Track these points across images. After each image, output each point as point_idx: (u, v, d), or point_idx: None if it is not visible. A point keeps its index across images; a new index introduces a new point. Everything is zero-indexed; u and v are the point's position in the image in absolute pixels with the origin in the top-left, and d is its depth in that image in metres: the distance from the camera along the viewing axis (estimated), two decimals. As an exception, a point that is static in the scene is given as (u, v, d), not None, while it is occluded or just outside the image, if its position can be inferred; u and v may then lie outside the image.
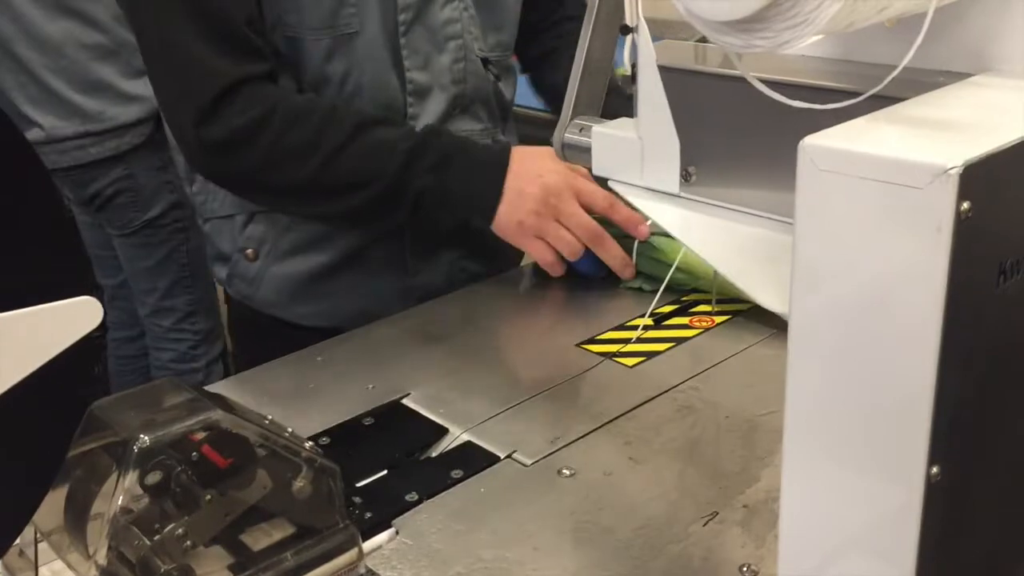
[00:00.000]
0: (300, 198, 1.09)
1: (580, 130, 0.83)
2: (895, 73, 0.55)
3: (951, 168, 0.46)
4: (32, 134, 1.72)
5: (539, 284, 1.17)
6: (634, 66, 0.75)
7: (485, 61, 1.15)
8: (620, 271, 1.07)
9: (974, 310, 0.50)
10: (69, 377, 0.57)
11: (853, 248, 0.51)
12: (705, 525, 0.71)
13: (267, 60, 1.03)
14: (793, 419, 0.58)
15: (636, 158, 0.76)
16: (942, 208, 0.47)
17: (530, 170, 1.05)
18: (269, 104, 1.02)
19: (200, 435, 0.66)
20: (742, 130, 0.70)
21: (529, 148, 1.08)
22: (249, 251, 1.15)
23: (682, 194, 0.74)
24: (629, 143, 0.76)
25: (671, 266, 1.02)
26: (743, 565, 0.66)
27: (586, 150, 0.81)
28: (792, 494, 0.60)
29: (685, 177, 0.73)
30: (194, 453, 0.65)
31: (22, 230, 0.55)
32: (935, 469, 0.52)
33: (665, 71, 0.71)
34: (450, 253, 1.17)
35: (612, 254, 1.06)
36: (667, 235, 0.97)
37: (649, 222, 0.99)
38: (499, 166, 1.05)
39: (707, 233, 0.71)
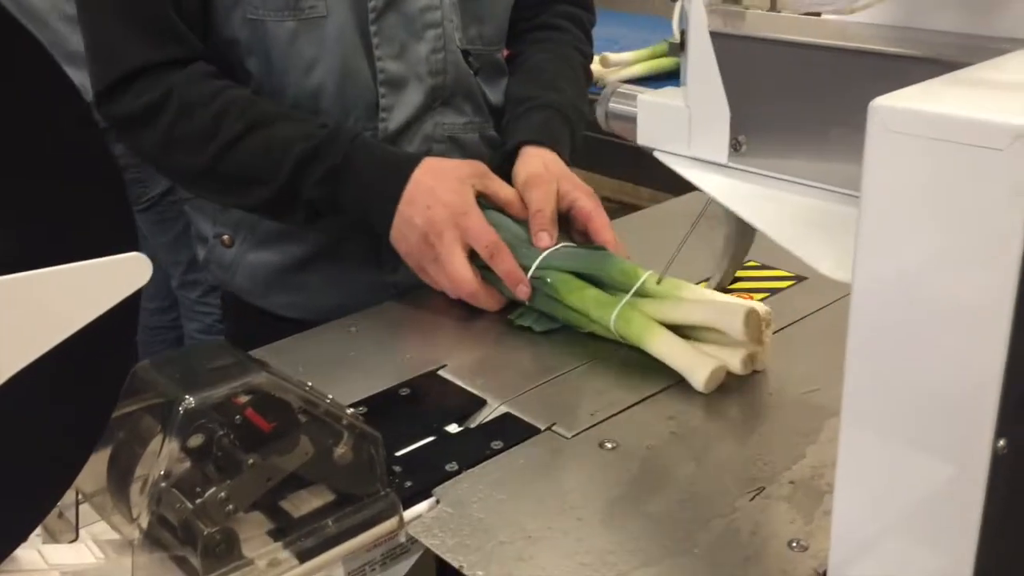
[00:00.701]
0: (200, 186, 1.06)
1: (625, 99, 0.82)
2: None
3: (1034, 128, 0.44)
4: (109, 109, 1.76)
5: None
6: (683, 32, 0.73)
7: (466, 53, 1.09)
8: (512, 286, 0.96)
9: (1049, 278, 0.49)
10: (117, 336, 0.57)
11: (924, 214, 0.50)
12: (752, 500, 0.69)
13: (190, 46, 1.00)
14: (852, 391, 0.56)
15: (683, 127, 0.75)
16: (1021, 169, 0.45)
17: (422, 198, 0.96)
18: (165, 90, 0.98)
19: (244, 398, 0.65)
20: (796, 98, 0.68)
21: (434, 165, 0.99)
22: (225, 236, 1.12)
23: (731, 164, 0.72)
24: (676, 112, 0.75)
25: (565, 306, 0.93)
26: (792, 540, 0.65)
27: (631, 119, 0.80)
28: (848, 469, 0.59)
29: (735, 147, 0.72)
30: (237, 416, 0.65)
31: (73, 186, 0.54)
32: (1001, 442, 0.51)
33: (716, 37, 0.70)
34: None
35: (504, 268, 0.96)
36: (562, 271, 0.93)
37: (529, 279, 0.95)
38: (394, 186, 0.97)
39: (759, 203, 0.69)
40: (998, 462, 0.51)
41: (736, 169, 0.72)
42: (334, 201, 0.98)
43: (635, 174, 2.08)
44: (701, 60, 0.72)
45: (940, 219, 0.49)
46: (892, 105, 0.50)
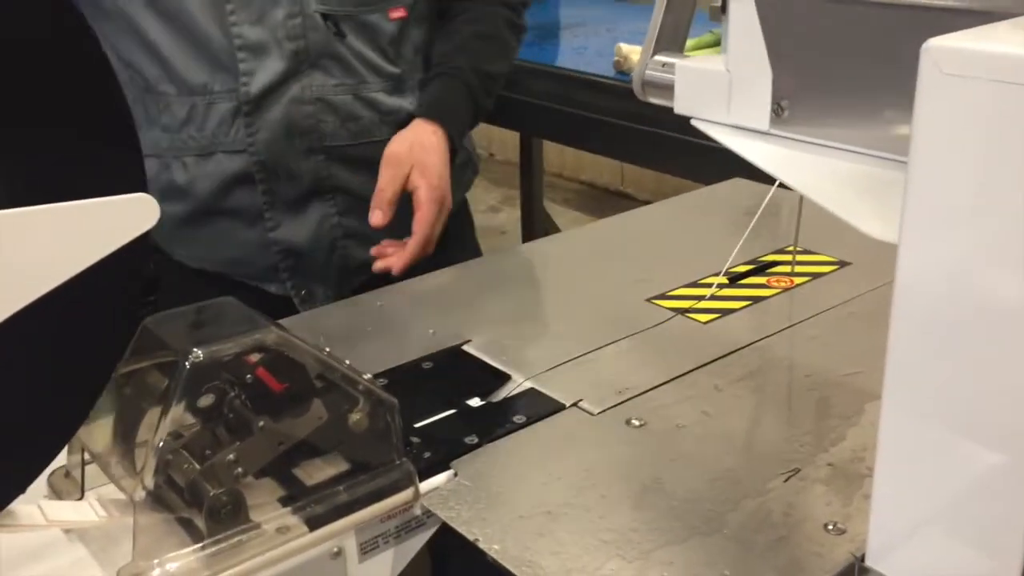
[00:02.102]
0: None
1: (662, 66, 0.79)
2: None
3: (1102, 64, 0.41)
4: None
5: (607, 241, 1.13)
6: (725, -7, 0.70)
7: (325, 16, 1.07)
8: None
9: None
10: (121, 282, 0.55)
11: (980, 161, 0.46)
12: (786, 481, 0.66)
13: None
14: (895, 374, 0.53)
15: (723, 93, 0.72)
16: (1090, 110, 0.41)
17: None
18: None
19: (255, 357, 0.63)
20: (842, 57, 0.65)
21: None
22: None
23: (772, 131, 0.69)
24: (716, 77, 0.71)
25: None
26: (828, 523, 0.61)
27: (668, 87, 0.76)
28: (889, 453, 0.55)
29: (776, 111, 0.68)
30: (248, 375, 0.63)
31: (81, 124, 0.52)
32: (1061, 412, 0.47)
33: (759, -2, 0.66)
34: (319, 207, 1.11)
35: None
36: None
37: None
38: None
39: (802, 167, 0.66)
40: (1056, 435, 0.47)
41: (777, 136, 0.69)
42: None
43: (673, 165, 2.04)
44: (743, 21, 0.68)
45: (998, 165, 0.45)
46: (946, 45, 0.46)
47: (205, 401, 0.63)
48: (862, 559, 0.57)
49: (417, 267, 1.04)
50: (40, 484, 0.65)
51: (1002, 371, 0.48)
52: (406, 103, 1.13)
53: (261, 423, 0.63)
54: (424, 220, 1.04)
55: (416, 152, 1.07)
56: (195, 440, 0.63)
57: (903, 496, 0.55)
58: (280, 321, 0.89)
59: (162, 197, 1.07)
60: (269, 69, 1.05)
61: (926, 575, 0.56)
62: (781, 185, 0.80)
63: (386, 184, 1.04)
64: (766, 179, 0.78)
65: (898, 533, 0.56)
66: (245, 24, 1.03)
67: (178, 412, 0.61)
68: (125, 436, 0.64)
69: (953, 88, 0.46)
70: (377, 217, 1.03)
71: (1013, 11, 0.52)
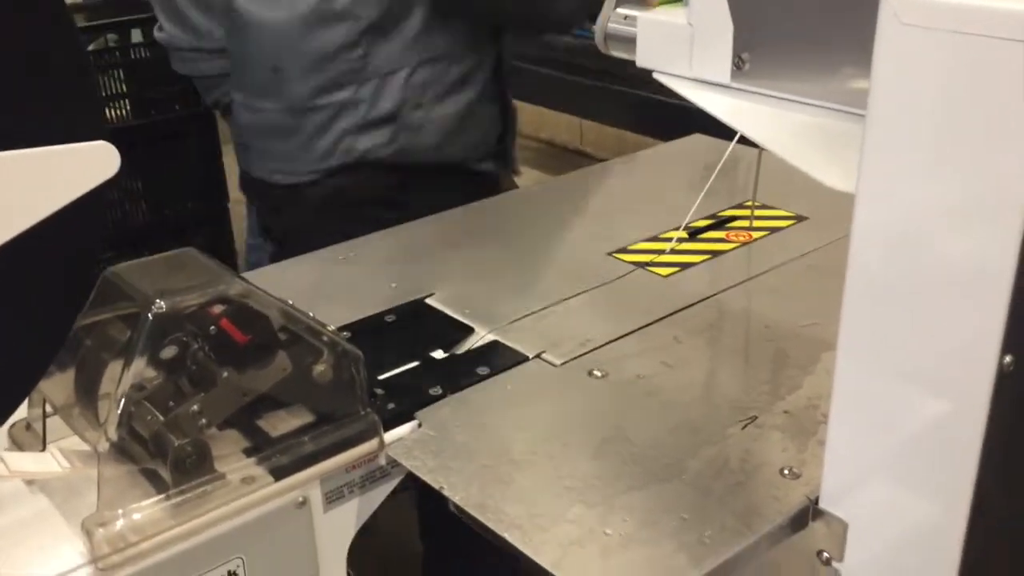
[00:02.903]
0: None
1: (624, 19, 0.79)
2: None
3: (1057, 16, 0.42)
4: (160, 36, 1.79)
5: (568, 195, 1.13)
6: (687, -54, 0.70)
7: None
8: None
9: (1065, 183, 0.46)
10: (81, 231, 0.54)
11: (937, 111, 0.47)
12: (744, 428, 0.67)
13: None
14: (849, 324, 0.54)
15: (685, 47, 0.72)
16: (1043, 62, 0.42)
17: None
18: None
19: (218, 308, 0.63)
20: (802, 9, 0.65)
21: None
22: (415, 100, 1.18)
23: (733, 84, 0.69)
24: (678, 30, 0.72)
25: None
26: (784, 468, 0.63)
27: (630, 41, 0.77)
28: (843, 400, 0.57)
29: (737, 65, 0.69)
30: (212, 327, 0.62)
31: (41, 78, 0.51)
32: (1008, 358, 0.49)
33: (722, -51, 0.67)
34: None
35: None
36: None
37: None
38: None
39: (762, 120, 0.67)
40: (1003, 380, 0.49)
41: (739, 89, 0.69)
42: None
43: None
44: (705, -26, 0.69)
45: (954, 115, 0.46)
46: (906, -3, 0.47)
47: (168, 352, 0.62)
48: (816, 502, 0.59)
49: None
50: (0, 436, 0.65)
51: (952, 323, 0.50)
52: None
53: (225, 374, 0.63)
54: None
55: None
56: (158, 392, 0.62)
57: (856, 442, 0.57)
58: (246, 273, 0.90)
59: (450, 93, 1.18)
60: None
61: (877, 517, 0.58)
62: (741, 140, 0.81)
63: None
64: (725, 135, 0.79)
65: (851, 477, 0.58)
66: None
67: (141, 364, 0.60)
68: (87, 388, 0.63)
69: (912, 39, 0.47)
70: None
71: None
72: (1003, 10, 0.43)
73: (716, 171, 0.99)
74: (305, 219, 1.24)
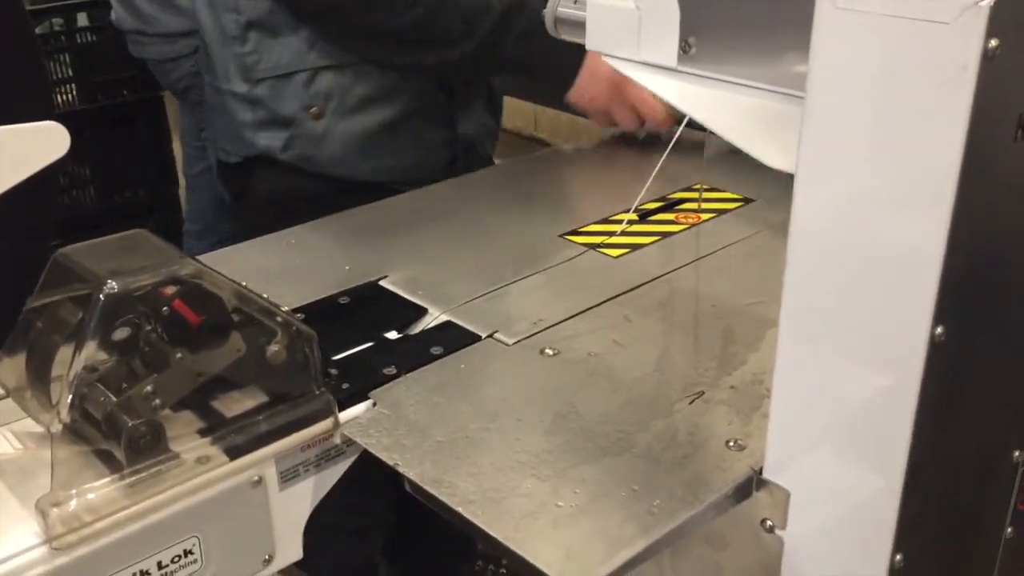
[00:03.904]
0: (393, 45, 1.11)
1: (575, 3, 0.80)
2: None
3: (982, 0, 0.43)
4: (112, 18, 1.80)
5: (520, 178, 1.15)
6: (635, -68, 0.71)
7: None
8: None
9: (990, 161, 0.48)
10: (30, 212, 0.54)
11: (871, 93, 0.49)
12: (691, 403, 0.69)
13: None
14: (790, 299, 0.56)
15: (633, 30, 0.73)
16: (970, 44, 0.44)
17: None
18: None
19: (172, 289, 0.63)
20: (747, -4, 0.67)
21: None
22: (314, 109, 1.14)
23: (680, 68, 0.71)
24: (626, 14, 0.73)
25: None
26: (729, 440, 0.65)
27: (580, 25, 0.78)
28: (785, 374, 0.59)
29: (684, 48, 0.70)
30: (165, 308, 0.62)
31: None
32: (939, 329, 0.51)
33: (668, -66, 0.68)
34: (478, 104, 1.22)
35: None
36: None
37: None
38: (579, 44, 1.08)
39: (708, 103, 0.68)
40: (935, 350, 0.51)
41: (685, 73, 0.71)
42: (527, 56, 1.10)
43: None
44: (652, -41, 0.70)
45: (887, 97, 0.48)
46: (841, -19, 0.48)
47: (121, 334, 0.62)
48: (760, 472, 0.61)
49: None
50: (-50, 420, 0.65)
51: (887, 302, 0.52)
52: None
53: (179, 355, 0.63)
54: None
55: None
56: (111, 373, 0.62)
57: (797, 415, 0.59)
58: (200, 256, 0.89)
59: (360, 108, 1.13)
60: None
61: (817, 486, 0.60)
62: (689, 125, 0.83)
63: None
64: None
65: (793, 449, 0.60)
66: None
67: (93, 345, 0.60)
68: (39, 370, 0.63)
69: (847, 22, 0.48)
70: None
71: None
72: (932, -6, 0.45)
73: (664, 154, 1.01)
74: (258, 212, 1.23)
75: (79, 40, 1.91)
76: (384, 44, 1.12)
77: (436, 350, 0.76)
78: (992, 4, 0.44)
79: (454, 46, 1.09)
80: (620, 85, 1.14)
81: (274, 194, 1.22)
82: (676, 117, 1.14)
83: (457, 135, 1.21)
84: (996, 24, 0.44)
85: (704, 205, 1.01)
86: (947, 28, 0.45)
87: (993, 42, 0.44)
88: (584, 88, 1.15)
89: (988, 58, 0.44)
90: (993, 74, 0.45)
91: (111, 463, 0.60)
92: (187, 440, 0.63)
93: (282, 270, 0.90)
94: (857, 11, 0.48)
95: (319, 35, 1.12)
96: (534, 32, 1.07)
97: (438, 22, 1.08)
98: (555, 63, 1.13)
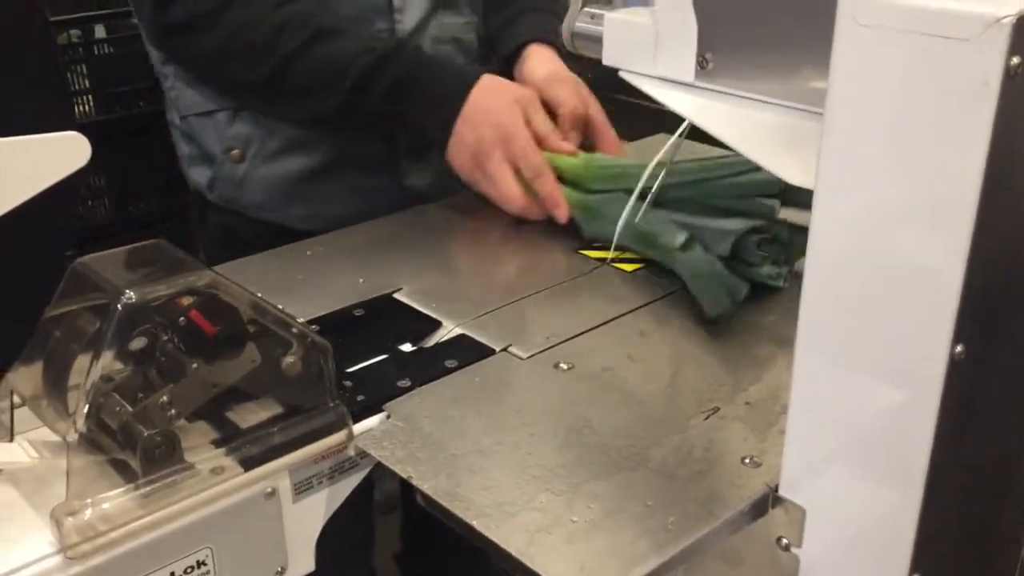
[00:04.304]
0: (256, 97, 1.05)
1: (591, 18, 0.80)
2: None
3: (1004, 17, 0.43)
4: None
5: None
6: (653, -53, 0.72)
7: None
8: (551, 209, 0.98)
9: (1011, 179, 0.48)
10: (51, 222, 0.54)
11: (891, 110, 0.48)
12: (706, 419, 0.69)
13: None
14: (807, 316, 0.56)
15: (650, 46, 0.74)
16: (991, 61, 0.44)
17: (476, 117, 0.99)
18: None
19: (188, 300, 0.63)
20: (764, 12, 0.67)
21: (491, 84, 1.01)
22: (235, 151, 1.10)
23: (697, 83, 0.71)
24: (643, 29, 0.73)
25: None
26: (745, 457, 0.64)
27: (597, 39, 0.78)
28: (802, 390, 0.58)
29: (701, 64, 0.70)
30: (181, 318, 0.63)
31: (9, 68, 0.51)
32: (959, 348, 0.50)
33: (686, -50, 0.68)
34: (435, 155, 1.09)
35: (545, 191, 0.98)
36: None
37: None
38: (453, 103, 0.99)
39: (726, 119, 0.68)
40: (955, 368, 0.51)
41: (702, 88, 0.71)
42: (395, 115, 1.01)
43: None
44: (670, -25, 0.70)
45: (909, 114, 0.48)
46: (862, -3, 0.48)
47: (137, 344, 0.62)
48: (776, 489, 0.61)
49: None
50: (-33, 428, 0.65)
51: (906, 315, 0.51)
52: None
53: (194, 366, 0.63)
54: (616, 140, 1.05)
55: (569, 72, 1.08)
56: (127, 383, 0.63)
57: (814, 431, 0.59)
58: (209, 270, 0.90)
59: (283, 153, 1.07)
60: (417, 6, 1.06)
61: (834, 504, 0.59)
62: (691, 135, 0.81)
63: (577, 101, 1.03)
64: (692, 134, 0.81)
65: (809, 466, 0.60)
66: None
67: (110, 355, 0.61)
68: (56, 380, 0.63)
69: (868, 38, 0.48)
70: (563, 215, 0.98)
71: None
72: (952, 10, 0.45)
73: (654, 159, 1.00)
74: (213, 247, 1.19)
75: (96, 52, 1.92)
76: (252, 96, 1.06)
77: (450, 363, 0.76)
78: (1014, 22, 0.43)
79: (320, 99, 1.01)
80: (482, 161, 0.99)
81: (216, 231, 1.17)
82: (534, 212, 0.99)
83: (403, 187, 1.12)
84: (1018, 41, 0.44)
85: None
86: (969, 45, 0.45)
87: (1015, 59, 0.44)
88: (454, 154, 1.01)
89: (1010, 76, 0.44)
90: (1015, 91, 0.45)
91: (126, 473, 0.60)
92: (202, 451, 0.63)
93: (297, 281, 0.90)
94: (878, 27, 0.48)
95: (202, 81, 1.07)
96: (406, 85, 0.99)
97: (295, 75, 0.99)
98: (429, 122, 1.02)
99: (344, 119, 1.02)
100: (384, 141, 1.10)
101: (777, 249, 0.86)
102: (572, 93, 1.04)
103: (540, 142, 1.00)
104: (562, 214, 0.97)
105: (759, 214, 0.89)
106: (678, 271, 0.85)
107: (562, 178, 0.99)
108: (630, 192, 0.91)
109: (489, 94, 0.99)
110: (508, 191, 0.98)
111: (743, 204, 0.90)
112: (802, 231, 0.81)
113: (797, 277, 0.81)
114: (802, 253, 0.82)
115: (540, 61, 1.10)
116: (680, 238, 0.86)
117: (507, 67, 1.13)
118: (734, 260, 0.84)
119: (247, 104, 1.08)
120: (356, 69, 0.98)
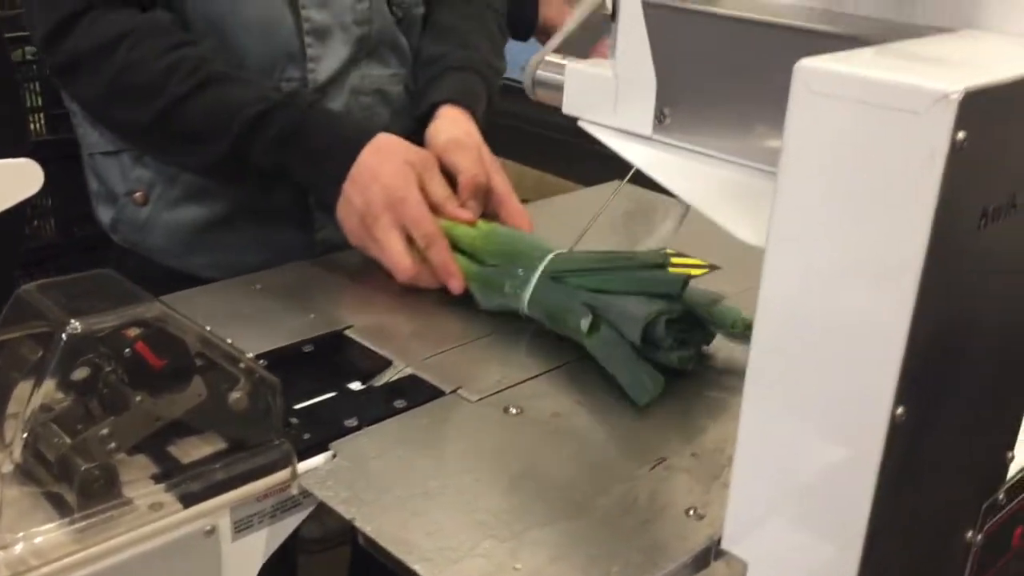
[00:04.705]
0: (143, 142, 1.02)
1: (553, 67, 0.81)
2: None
3: (952, 93, 0.45)
4: None
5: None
6: (615, 1, 0.73)
7: (390, 3, 1.07)
8: (444, 279, 0.93)
9: (955, 248, 0.49)
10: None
11: (843, 174, 0.50)
12: (652, 469, 0.69)
13: None
14: (754, 371, 0.57)
15: (610, 97, 0.75)
16: (939, 134, 0.46)
17: (363, 178, 0.93)
18: (117, 32, 0.93)
19: (135, 331, 0.62)
20: (722, 71, 0.68)
21: (383, 144, 0.95)
22: (138, 194, 1.06)
23: (655, 137, 0.72)
24: (603, 81, 0.75)
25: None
26: (689, 508, 0.65)
27: (558, 88, 0.79)
28: (746, 444, 0.59)
29: (659, 118, 0.72)
30: (127, 350, 0.62)
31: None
32: (900, 409, 0.51)
33: (647, 7, 0.70)
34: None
35: (437, 260, 0.93)
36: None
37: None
38: (341, 162, 0.94)
39: (680, 173, 0.70)
40: (895, 430, 0.52)
41: (660, 142, 0.72)
42: (282, 168, 0.95)
43: (558, 166, 2.09)
44: (631, 30, 0.72)
45: (857, 181, 0.49)
46: (816, 66, 0.50)
47: (80, 374, 0.61)
48: (719, 542, 0.61)
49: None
50: None
51: (850, 375, 0.52)
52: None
53: (138, 398, 0.62)
54: (520, 210, 0.99)
55: (474, 136, 1.02)
56: (67, 414, 0.61)
57: (757, 485, 0.59)
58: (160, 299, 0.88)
59: (188, 199, 1.03)
60: (334, 55, 1.02)
61: (775, 558, 0.60)
62: (661, 190, 0.83)
63: (476, 169, 0.97)
64: (645, 183, 0.82)
65: (752, 519, 0.60)
66: (312, 7, 1.00)
67: (51, 385, 0.60)
68: (-8, 407, 0.62)
69: (820, 106, 0.50)
70: (474, 210, 0.95)
71: (880, 39, 0.57)
72: (902, 84, 0.47)
73: (598, 211, 1.02)
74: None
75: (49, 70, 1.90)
76: (141, 140, 1.02)
77: (399, 403, 0.75)
78: (961, 98, 0.45)
79: (207, 146, 0.95)
80: (369, 225, 0.93)
81: (127, 273, 1.14)
82: (425, 280, 0.94)
83: (315, 241, 1.07)
84: (964, 117, 0.45)
85: (671, 270, 1.02)
86: (917, 118, 0.46)
87: (961, 134, 0.46)
88: (342, 216, 0.95)
89: (956, 149, 0.46)
90: (960, 165, 0.46)
91: (62, 507, 0.59)
92: (141, 485, 0.62)
93: (246, 315, 0.89)
94: (832, 96, 0.49)
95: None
96: (293, 137, 0.94)
97: (181, 119, 0.94)
98: (316, 180, 0.97)
99: (233, 170, 0.97)
100: (293, 192, 1.04)
101: (683, 329, 0.82)
102: (473, 160, 0.98)
103: (436, 209, 0.94)
104: (456, 285, 0.92)
105: (661, 294, 0.84)
106: (591, 353, 0.82)
107: (459, 247, 0.94)
108: (526, 270, 0.88)
109: (380, 155, 0.94)
110: (396, 259, 0.92)
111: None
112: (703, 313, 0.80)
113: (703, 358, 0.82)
114: (712, 336, 0.82)
115: (446, 124, 1.04)
116: (585, 324, 0.82)
117: (420, 127, 1.06)
118: (644, 343, 0.80)
119: (138, 148, 1.04)
120: (243, 116, 0.93)
